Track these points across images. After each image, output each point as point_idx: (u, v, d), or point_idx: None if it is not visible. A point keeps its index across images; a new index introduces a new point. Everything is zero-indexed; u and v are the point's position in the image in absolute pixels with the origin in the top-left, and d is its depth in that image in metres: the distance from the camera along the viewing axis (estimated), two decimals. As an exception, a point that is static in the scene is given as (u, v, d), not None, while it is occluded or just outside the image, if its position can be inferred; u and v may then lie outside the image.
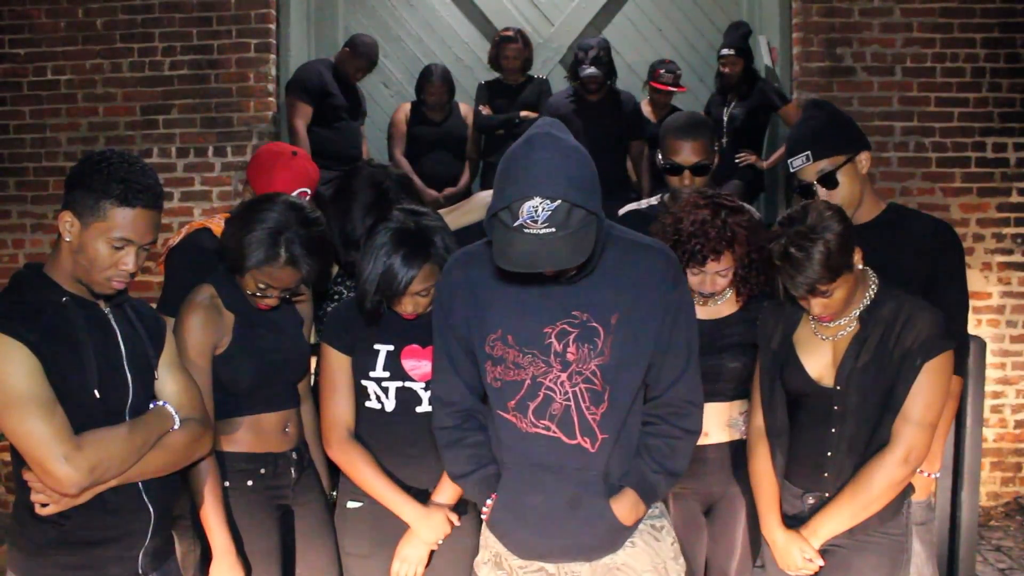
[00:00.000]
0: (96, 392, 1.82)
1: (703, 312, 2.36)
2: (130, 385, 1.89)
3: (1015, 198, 4.73)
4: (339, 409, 2.27)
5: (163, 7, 4.76)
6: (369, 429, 2.28)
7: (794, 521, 2.20)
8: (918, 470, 2.29)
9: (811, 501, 2.19)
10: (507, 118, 5.00)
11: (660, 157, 2.78)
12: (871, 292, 2.15)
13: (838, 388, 2.13)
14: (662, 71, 5.08)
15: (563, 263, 1.74)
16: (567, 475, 1.90)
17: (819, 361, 2.17)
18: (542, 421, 1.89)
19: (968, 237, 4.65)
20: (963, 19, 4.65)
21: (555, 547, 1.94)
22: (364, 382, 2.26)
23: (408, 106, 5.15)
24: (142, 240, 1.83)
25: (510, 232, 1.71)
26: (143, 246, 1.85)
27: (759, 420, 2.26)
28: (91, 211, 1.79)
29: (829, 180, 2.37)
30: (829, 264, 2.02)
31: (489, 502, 1.98)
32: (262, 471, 2.26)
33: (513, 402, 1.90)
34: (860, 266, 2.12)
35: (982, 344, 2.91)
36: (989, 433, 4.71)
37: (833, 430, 2.14)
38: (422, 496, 2.24)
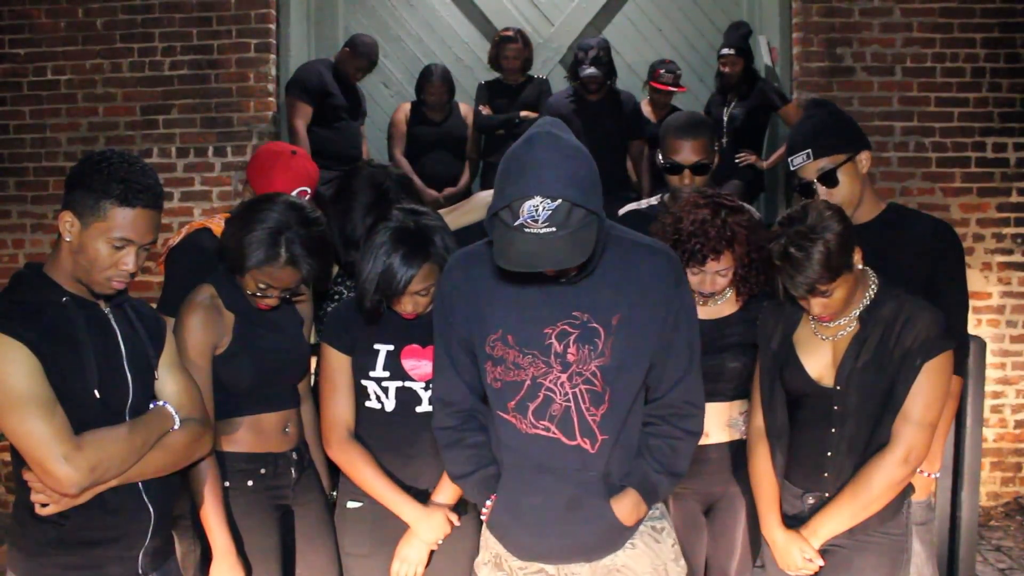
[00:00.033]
0: (96, 392, 1.82)
1: (703, 312, 2.36)
2: (130, 385, 1.89)
3: (1015, 198, 4.73)
4: (339, 409, 2.27)
5: (163, 7, 4.76)
6: (369, 429, 2.28)
7: (794, 521, 2.20)
8: (918, 470, 2.29)
9: (811, 501, 2.19)
10: (507, 118, 5.00)
11: (660, 156, 2.78)
12: (871, 292, 2.15)
13: (838, 388, 2.13)
14: (662, 71, 5.08)
15: (563, 263, 1.73)
16: (567, 476, 1.90)
17: (819, 361, 2.17)
18: (542, 422, 1.89)
19: (968, 237, 4.65)
20: (963, 19, 4.65)
21: (554, 548, 1.94)
22: (364, 382, 2.26)
23: (408, 106, 5.15)
24: (142, 240, 1.83)
25: (510, 232, 1.70)
26: (143, 246, 1.85)
27: (759, 420, 2.26)
28: (91, 211, 1.79)
29: (829, 178, 2.37)
30: (829, 264, 2.02)
31: (489, 503, 1.98)
32: (262, 471, 2.26)
33: (513, 403, 1.90)
34: (860, 266, 2.12)
35: (982, 344, 2.91)
36: (989, 433, 4.71)
37: (833, 430, 2.14)
38: (422, 496, 2.24)
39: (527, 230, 1.68)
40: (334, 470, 2.40)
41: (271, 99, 4.82)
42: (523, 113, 4.99)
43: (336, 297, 2.71)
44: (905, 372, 2.07)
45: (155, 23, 4.77)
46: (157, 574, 1.97)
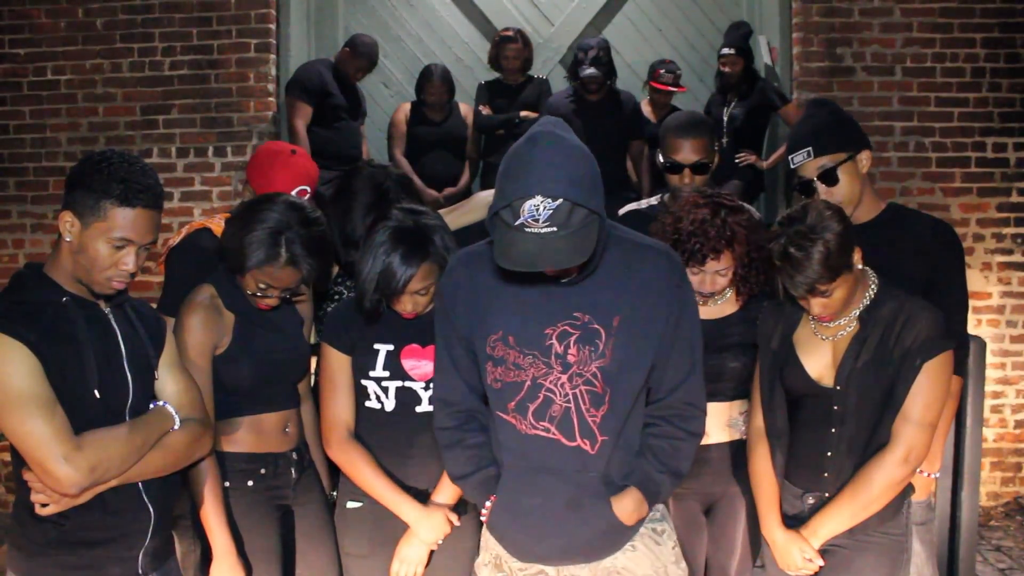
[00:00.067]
0: (96, 392, 1.82)
1: (703, 312, 2.36)
2: (130, 385, 1.89)
3: (1015, 198, 4.73)
4: (339, 409, 2.27)
5: (163, 7, 4.76)
6: (369, 429, 2.28)
7: (794, 521, 2.20)
8: (918, 470, 2.29)
9: (811, 501, 2.19)
10: (507, 118, 5.00)
11: (660, 156, 2.78)
12: (871, 292, 2.15)
13: (838, 388, 2.13)
14: (662, 71, 5.08)
15: (564, 263, 1.73)
16: (566, 477, 1.89)
17: (819, 361, 2.17)
18: (542, 423, 1.88)
19: (968, 237, 4.65)
20: (963, 19, 4.65)
21: (554, 549, 1.93)
22: (364, 382, 2.26)
23: (408, 106, 5.15)
24: (142, 240, 1.83)
25: (511, 231, 1.70)
26: (143, 246, 1.85)
27: (759, 420, 2.25)
28: (91, 211, 1.79)
29: (829, 177, 2.37)
30: (829, 264, 2.02)
31: (488, 504, 1.97)
32: (262, 471, 2.26)
33: (513, 403, 1.89)
34: (860, 266, 2.12)
35: (982, 344, 2.91)
36: (989, 433, 4.71)
37: (833, 430, 2.14)
38: (422, 496, 2.24)
39: (528, 230, 1.68)
40: (334, 470, 2.40)
41: (271, 99, 4.82)
42: (523, 113, 4.99)
43: (336, 297, 2.71)
44: (905, 372, 2.07)
45: (155, 23, 4.77)
46: (157, 574, 1.97)
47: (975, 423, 2.88)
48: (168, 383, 1.99)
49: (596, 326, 1.85)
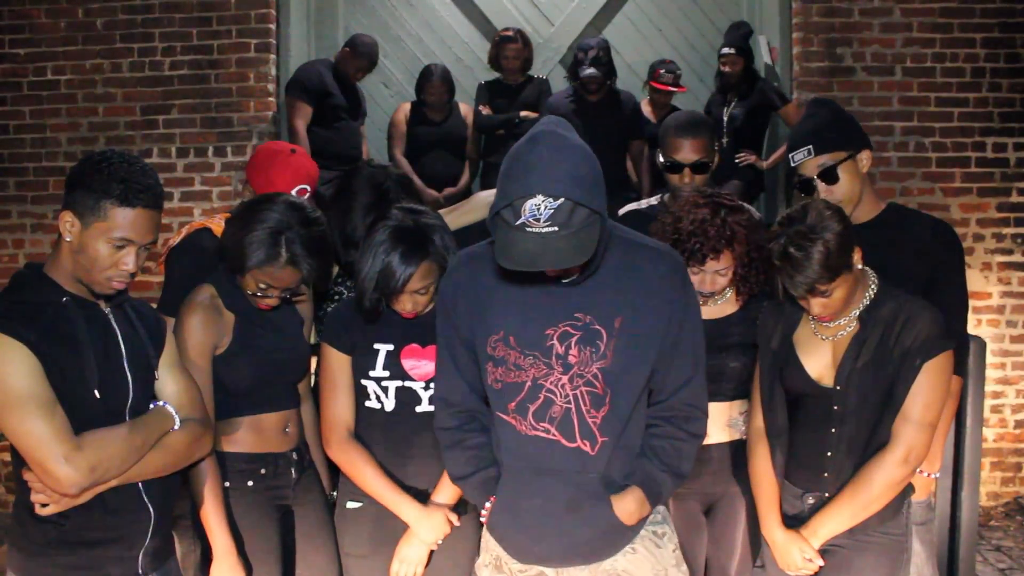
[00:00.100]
0: (96, 392, 1.82)
1: (703, 312, 2.35)
2: (130, 385, 1.89)
3: (1015, 198, 4.73)
4: (339, 409, 2.27)
5: (163, 7, 4.76)
6: (369, 429, 2.28)
7: (794, 521, 2.20)
8: (918, 470, 2.29)
9: (811, 501, 2.19)
10: (507, 118, 5.01)
11: (660, 155, 2.78)
12: (871, 292, 2.15)
13: (838, 388, 2.13)
14: (662, 71, 5.08)
15: (565, 262, 1.72)
16: (566, 478, 1.88)
17: (819, 361, 2.17)
18: (542, 424, 1.87)
19: (968, 237, 4.65)
20: (963, 19, 4.65)
21: (553, 551, 1.92)
22: (364, 381, 2.26)
23: (408, 106, 5.15)
24: (142, 240, 1.83)
25: (512, 231, 1.69)
26: (143, 246, 1.85)
27: (759, 420, 2.25)
28: (91, 211, 1.79)
29: (829, 175, 2.37)
30: (828, 264, 2.02)
31: (488, 504, 1.97)
32: (262, 471, 2.26)
33: (513, 404, 1.88)
34: (860, 266, 2.12)
35: (982, 344, 2.91)
36: (989, 433, 4.71)
37: (833, 430, 2.14)
38: (422, 496, 2.24)
39: (529, 229, 1.67)
40: (334, 470, 2.40)
41: (271, 99, 4.82)
42: (523, 113, 4.99)
43: (336, 297, 2.71)
44: (905, 372, 2.07)
45: (155, 23, 4.77)
46: (157, 574, 1.97)
47: (975, 423, 2.87)
48: (168, 383, 1.99)
49: (597, 327, 1.85)
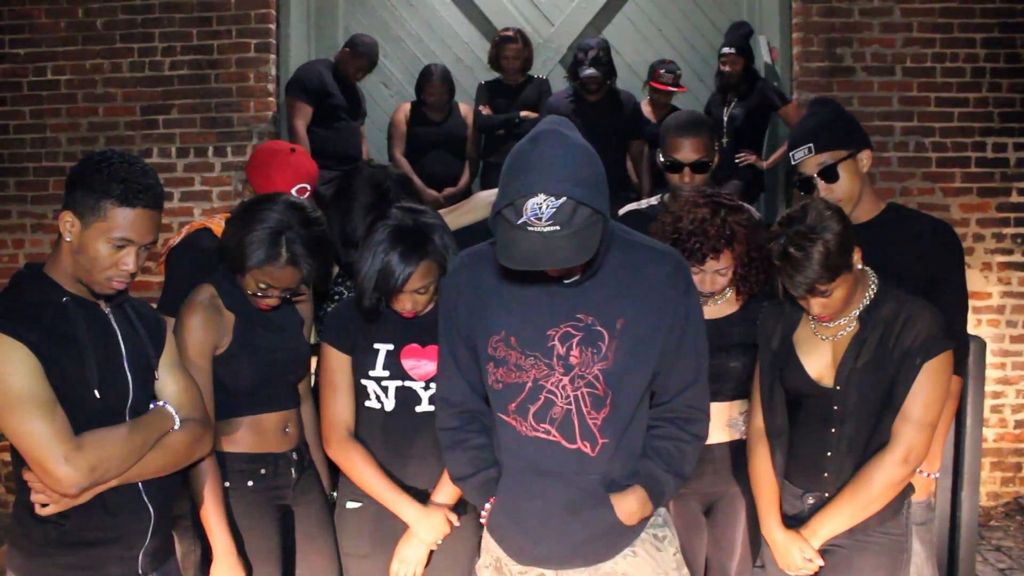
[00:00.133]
0: (96, 392, 1.82)
1: (703, 312, 2.36)
2: (130, 385, 1.89)
3: (1015, 198, 4.73)
4: (339, 409, 2.27)
5: (163, 7, 4.76)
6: (369, 429, 2.28)
7: (794, 521, 2.20)
8: (918, 470, 2.29)
9: (811, 501, 2.19)
10: (507, 118, 5.01)
11: (660, 155, 2.78)
12: (871, 292, 2.15)
13: (838, 388, 2.13)
14: (662, 71, 5.08)
15: (566, 261, 1.70)
16: (566, 480, 1.87)
17: (819, 361, 2.17)
18: (542, 425, 1.86)
19: (968, 237, 4.65)
20: (963, 19, 4.66)
21: (553, 552, 1.90)
22: (364, 381, 2.26)
23: (408, 106, 5.15)
24: (143, 240, 1.83)
25: (514, 230, 1.67)
26: (144, 246, 1.84)
27: (759, 420, 2.25)
28: (92, 211, 1.79)
29: (830, 173, 2.37)
30: (828, 264, 2.02)
31: (488, 506, 1.96)
32: (262, 471, 2.26)
33: (514, 405, 1.87)
34: (860, 266, 2.12)
35: (982, 344, 2.91)
36: (989, 433, 4.71)
37: (833, 430, 2.14)
38: (422, 496, 2.24)
39: (530, 228, 1.65)
40: (334, 470, 2.40)
41: (271, 99, 4.82)
42: (523, 113, 4.99)
43: (336, 297, 2.71)
44: (905, 372, 2.07)
45: (155, 23, 4.77)
46: (157, 574, 1.97)
47: (975, 423, 2.88)
48: (168, 383, 1.99)
49: (599, 328, 1.83)
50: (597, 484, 1.88)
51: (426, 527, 2.20)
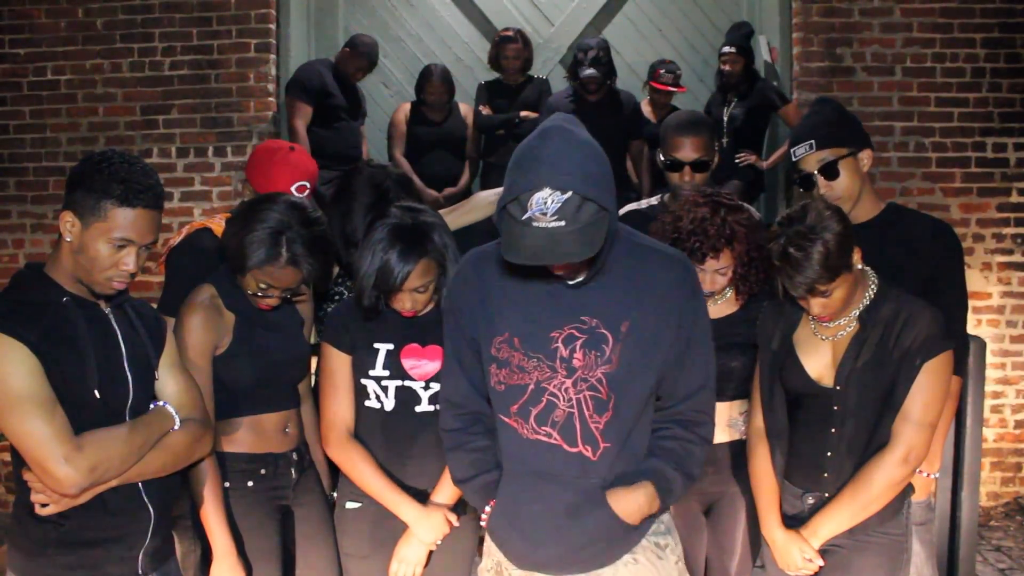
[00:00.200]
0: (96, 392, 1.82)
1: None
2: (130, 385, 1.89)
3: (1015, 198, 4.73)
4: (339, 408, 2.27)
5: (163, 7, 4.76)
6: (369, 429, 2.28)
7: (794, 521, 2.20)
8: (918, 470, 2.29)
9: (811, 501, 2.19)
10: (507, 118, 5.01)
11: (660, 154, 2.78)
12: (871, 292, 2.15)
13: (838, 388, 2.13)
14: (662, 71, 5.08)
15: (571, 257, 1.68)
16: (566, 483, 1.85)
17: (819, 361, 2.17)
18: (543, 428, 1.84)
19: (968, 237, 4.65)
20: (963, 19, 4.65)
21: (552, 557, 1.87)
22: (364, 381, 2.26)
23: (408, 106, 5.15)
24: (143, 240, 1.83)
25: (519, 225, 1.66)
26: (144, 246, 1.84)
27: (759, 420, 2.25)
28: (92, 211, 1.79)
29: (830, 170, 2.37)
30: (828, 264, 2.02)
31: (488, 508, 1.94)
32: (262, 472, 2.26)
33: (516, 407, 1.85)
34: (859, 266, 2.12)
35: (982, 344, 2.91)
36: (989, 433, 4.71)
37: (833, 430, 2.14)
38: (421, 496, 2.24)
39: (535, 224, 1.64)
40: (334, 470, 2.40)
41: (271, 99, 4.82)
42: (523, 113, 4.99)
43: (336, 297, 2.71)
44: (905, 372, 2.07)
45: (155, 23, 4.77)
46: (157, 574, 1.97)
47: (975, 423, 2.88)
48: (168, 383, 1.99)
49: (603, 331, 1.82)
50: (598, 488, 1.85)
51: (425, 527, 2.20)
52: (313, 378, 2.54)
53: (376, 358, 2.25)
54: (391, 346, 2.25)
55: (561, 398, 1.83)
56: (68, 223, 1.82)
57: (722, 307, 2.41)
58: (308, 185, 2.73)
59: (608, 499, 1.85)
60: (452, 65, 5.53)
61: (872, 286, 2.16)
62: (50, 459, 1.74)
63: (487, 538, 2.02)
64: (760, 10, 5.55)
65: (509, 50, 5.05)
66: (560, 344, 1.82)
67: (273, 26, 4.82)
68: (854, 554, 2.15)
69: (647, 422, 1.90)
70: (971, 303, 3.09)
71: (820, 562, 2.16)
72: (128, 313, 1.95)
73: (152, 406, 1.94)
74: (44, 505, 1.81)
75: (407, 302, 2.21)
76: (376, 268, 2.17)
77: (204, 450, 2.03)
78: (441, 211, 2.60)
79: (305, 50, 5.41)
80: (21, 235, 4.90)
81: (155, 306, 2.33)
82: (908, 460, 2.07)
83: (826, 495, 2.16)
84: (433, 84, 5.01)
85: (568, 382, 1.82)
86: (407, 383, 2.25)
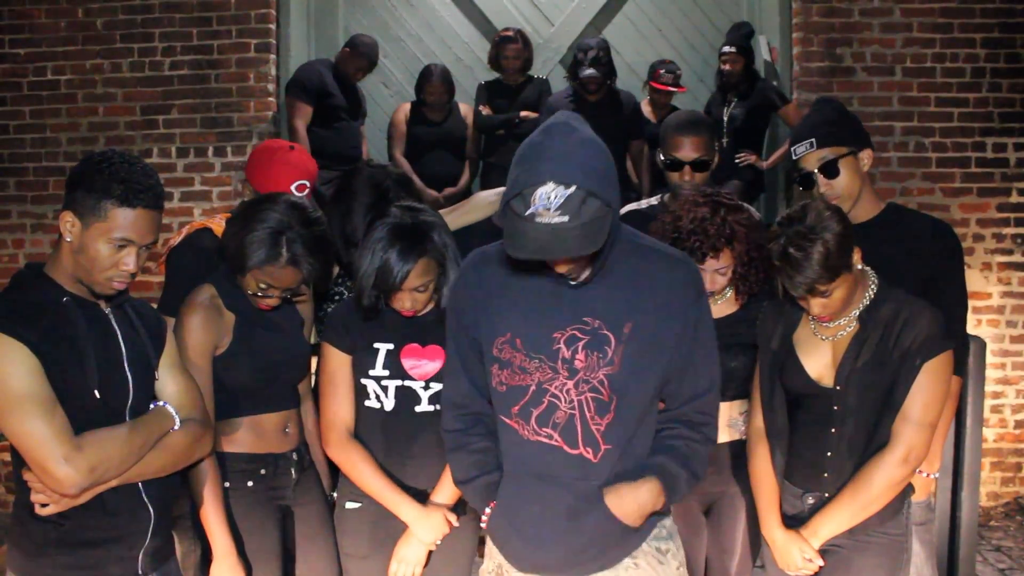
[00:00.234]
0: (96, 392, 1.82)
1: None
2: (130, 385, 1.89)
3: (1015, 198, 4.73)
4: (339, 408, 2.27)
5: (163, 7, 4.76)
6: (368, 429, 2.28)
7: (794, 521, 2.20)
8: (917, 470, 2.29)
9: (811, 501, 2.19)
10: (507, 118, 5.01)
11: (661, 154, 2.78)
12: (871, 292, 2.15)
13: (838, 388, 2.13)
14: (662, 71, 5.08)
15: (573, 251, 1.67)
16: (567, 485, 1.83)
17: (819, 361, 2.17)
18: (544, 429, 1.83)
19: (968, 237, 4.65)
20: (963, 19, 4.65)
21: (551, 559, 1.86)
22: (364, 380, 2.26)
23: (408, 106, 5.15)
24: (143, 240, 1.83)
25: (522, 221, 1.64)
26: (144, 246, 1.84)
27: (759, 420, 2.25)
28: (92, 211, 1.79)
29: (830, 169, 2.38)
30: (828, 264, 2.02)
31: (488, 510, 1.93)
32: (262, 472, 2.26)
33: (517, 408, 1.84)
34: (859, 266, 2.12)
35: (982, 344, 2.91)
36: (989, 433, 4.71)
37: (833, 430, 2.14)
38: (421, 496, 2.24)
39: (539, 220, 1.62)
40: (334, 470, 2.40)
41: (271, 99, 4.82)
42: (523, 113, 4.99)
43: (336, 297, 2.71)
44: (905, 372, 2.07)
45: (155, 23, 4.77)
46: (157, 574, 1.97)
47: (975, 423, 2.87)
48: (168, 383, 1.99)
49: (606, 332, 1.80)
50: (598, 491, 1.84)
51: (425, 527, 2.20)
52: (313, 378, 2.53)
53: (376, 358, 2.25)
54: (391, 346, 2.25)
55: (562, 399, 1.82)
56: (68, 223, 1.82)
57: (722, 307, 2.41)
58: (308, 184, 2.73)
59: (610, 496, 1.84)
60: (452, 65, 5.53)
61: (872, 286, 2.16)
62: (50, 459, 1.74)
63: (488, 540, 2.01)
64: (760, 10, 5.55)
65: (509, 50, 5.05)
66: (562, 345, 1.81)
67: (273, 26, 4.82)
68: (854, 554, 2.15)
69: (650, 425, 1.89)
70: (971, 303, 3.09)
71: (820, 562, 2.16)
72: (128, 313, 1.95)
73: (152, 406, 1.94)
74: (44, 505, 1.81)
75: (407, 301, 2.21)
76: (376, 267, 2.17)
77: (204, 450, 2.03)
78: (441, 211, 2.60)
79: (305, 50, 5.41)
80: (21, 235, 4.90)
81: (155, 306, 2.33)
82: (908, 460, 2.08)
83: (826, 495, 2.16)
84: (433, 84, 5.02)
85: (570, 383, 1.81)
86: (407, 383, 2.25)
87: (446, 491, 2.21)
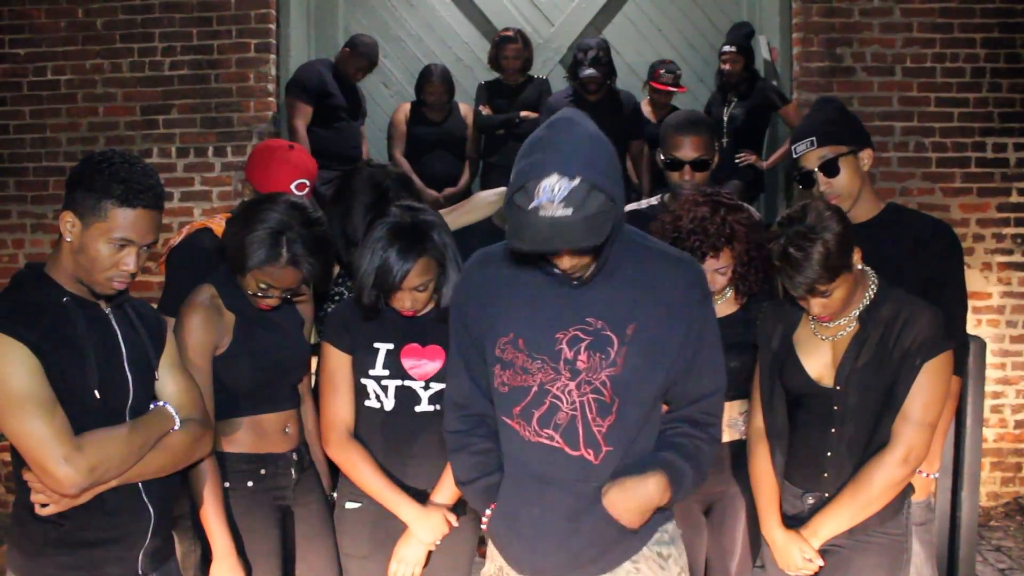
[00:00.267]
0: (96, 392, 1.82)
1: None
2: (130, 385, 1.89)
3: (1015, 198, 4.73)
4: (339, 408, 2.27)
5: (163, 7, 4.76)
6: (368, 429, 2.28)
7: (794, 521, 2.20)
8: (917, 470, 2.29)
9: (811, 501, 2.19)
10: (507, 118, 5.01)
11: (661, 154, 2.78)
12: (871, 292, 2.15)
13: (838, 388, 2.13)
14: (662, 71, 5.08)
15: (576, 242, 1.66)
16: (567, 487, 1.82)
17: (819, 361, 2.17)
18: (546, 430, 1.82)
19: (968, 237, 4.65)
20: (963, 19, 4.65)
21: (551, 562, 1.85)
22: (364, 380, 2.26)
23: (408, 106, 5.15)
24: (143, 240, 1.83)
25: (525, 214, 1.64)
26: (144, 246, 1.84)
27: (759, 420, 2.25)
28: (92, 211, 1.79)
29: (830, 167, 2.38)
30: (828, 264, 2.02)
31: (488, 512, 1.92)
32: (262, 472, 2.26)
33: (518, 408, 1.84)
34: (859, 266, 2.12)
35: (982, 344, 2.90)
36: (989, 433, 4.71)
37: (833, 430, 2.14)
38: (421, 496, 2.24)
39: (542, 213, 1.62)
40: (334, 470, 2.40)
41: (271, 99, 4.82)
42: (523, 113, 4.99)
43: (336, 297, 2.71)
44: (905, 372, 2.07)
45: (155, 23, 4.77)
46: (157, 574, 1.97)
47: (975, 423, 2.87)
48: (168, 383, 1.98)
49: (609, 333, 1.80)
50: (599, 493, 1.82)
51: (425, 527, 2.20)
52: (313, 378, 2.53)
53: (376, 358, 2.25)
54: (391, 346, 2.25)
55: (564, 400, 1.81)
56: (68, 223, 1.82)
57: (722, 307, 2.41)
58: (308, 183, 2.73)
59: (614, 489, 1.81)
60: (452, 65, 5.53)
61: (872, 286, 2.16)
62: (50, 459, 1.74)
63: (490, 542, 2.01)
64: (760, 10, 5.55)
65: (509, 50, 5.05)
66: (564, 346, 1.81)
67: (273, 26, 4.82)
68: (854, 554, 2.15)
69: (652, 428, 1.88)
70: (971, 303, 3.09)
71: (820, 562, 2.16)
72: (128, 313, 1.95)
73: (152, 406, 1.94)
74: (44, 505, 1.81)
75: (407, 301, 2.21)
76: (375, 267, 2.17)
77: (204, 450, 2.03)
78: (441, 211, 2.60)
79: (305, 50, 5.41)
80: (21, 235, 4.90)
81: (155, 306, 2.33)
82: (908, 460, 2.08)
83: (826, 495, 2.16)
84: (433, 84, 5.02)
85: (572, 384, 1.80)
86: (407, 383, 2.25)
87: (446, 491, 2.21)
